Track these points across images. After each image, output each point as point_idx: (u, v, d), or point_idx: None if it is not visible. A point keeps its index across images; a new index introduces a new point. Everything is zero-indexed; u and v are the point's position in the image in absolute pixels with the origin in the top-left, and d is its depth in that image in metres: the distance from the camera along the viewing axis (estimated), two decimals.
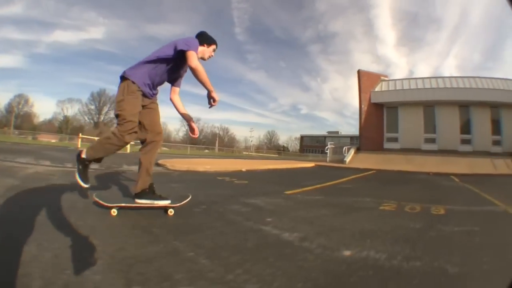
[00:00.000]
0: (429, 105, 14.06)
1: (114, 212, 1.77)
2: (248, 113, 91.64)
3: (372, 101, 14.72)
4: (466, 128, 14.43)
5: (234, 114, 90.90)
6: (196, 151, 30.22)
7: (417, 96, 13.83)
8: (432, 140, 14.28)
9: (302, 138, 56.29)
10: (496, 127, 14.23)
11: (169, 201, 1.92)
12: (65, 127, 37.51)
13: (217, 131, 51.37)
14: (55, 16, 61.22)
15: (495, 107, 13.86)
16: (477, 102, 13.53)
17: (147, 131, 1.93)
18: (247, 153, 41.17)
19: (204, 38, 2.03)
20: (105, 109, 45.45)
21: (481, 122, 13.81)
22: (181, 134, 50.54)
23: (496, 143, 14.25)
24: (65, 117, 40.96)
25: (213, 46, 2.11)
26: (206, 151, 36.54)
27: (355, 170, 9.17)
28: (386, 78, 15.39)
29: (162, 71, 1.90)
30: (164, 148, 30.20)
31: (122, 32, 67.06)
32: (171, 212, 1.94)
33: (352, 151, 13.87)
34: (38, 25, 59.49)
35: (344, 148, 13.89)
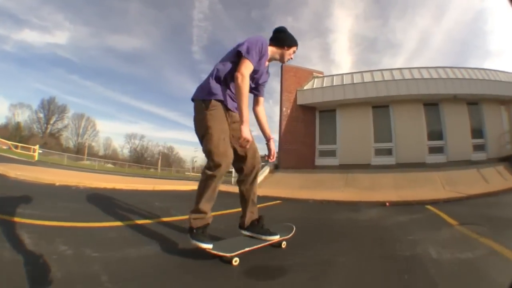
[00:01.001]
0: (381, 104, 10.85)
1: (236, 261, 1.56)
2: None
3: (299, 102, 11.59)
4: (435, 132, 10.74)
5: (183, 134, 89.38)
6: (138, 170, 30.14)
7: (363, 93, 10.63)
8: (388, 152, 10.62)
9: None
10: (477, 128, 10.82)
11: (278, 236, 1.83)
12: (15, 134, 36.31)
13: (161, 150, 51.11)
14: (28, 12, 58.94)
15: (473, 103, 10.83)
16: (450, 97, 10.42)
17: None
18: (189, 173, 40.59)
19: (284, 39, 1.89)
20: (53, 119, 43.98)
21: (456, 122, 10.55)
22: (125, 151, 49.45)
23: (478, 148, 10.81)
24: (17, 123, 40.56)
25: (294, 48, 1.92)
26: (152, 170, 36.24)
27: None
28: (320, 75, 12.64)
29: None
30: (109, 165, 30.14)
31: (84, 40, 67.86)
32: (284, 245, 1.92)
33: (266, 170, 10.34)
34: (10, 19, 59.07)
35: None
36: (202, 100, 1.66)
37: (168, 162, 48.86)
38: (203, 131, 1.63)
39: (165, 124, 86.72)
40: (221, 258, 1.56)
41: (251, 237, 1.79)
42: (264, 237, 1.76)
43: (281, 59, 1.91)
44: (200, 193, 1.61)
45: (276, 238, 1.78)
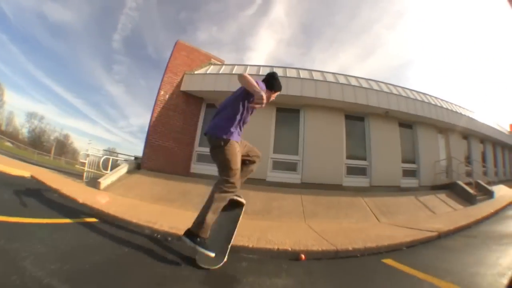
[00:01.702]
0: (290, 108, 8.10)
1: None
2: (97, 126, 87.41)
3: (184, 88, 8.45)
4: (356, 150, 8.13)
5: (83, 124, 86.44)
6: (30, 154, 25.81)
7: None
8: (291, 167, 7.59)
9: None
10: (409, 152, 8.73)
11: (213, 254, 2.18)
12: None
13: (58, 136, 47.18)
14: None
15: (407, 125, 8.95)
16: (380, 112, 8.31)
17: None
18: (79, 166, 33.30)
19: (275, 85, 2.54)
20: None
21: (385, 142, 8.22)
22: (25, 130, 44.23)
23: (409, 173, 8.53)
24: None
25: (278, 92, 2.61)
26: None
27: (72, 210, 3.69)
28: (219, 62, 9.86)
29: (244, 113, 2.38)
30: (8, 144, 27.59)
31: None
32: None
33: (124, 168, 7.02)
34: None
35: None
36: (221, 138, 2.26)
37: (62, 151, 45.61)
38: (222, 162, 2.31)
39: (67, 110, 78.31)
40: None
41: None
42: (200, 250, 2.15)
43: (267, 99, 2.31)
44: (209, 206, 2.23)
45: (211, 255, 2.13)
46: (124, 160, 8.11)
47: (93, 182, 6.12)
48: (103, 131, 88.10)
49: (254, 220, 4.59)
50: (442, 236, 3.98)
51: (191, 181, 6.64)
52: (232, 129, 2.28)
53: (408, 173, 8.32)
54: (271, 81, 2.49)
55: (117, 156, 9.69)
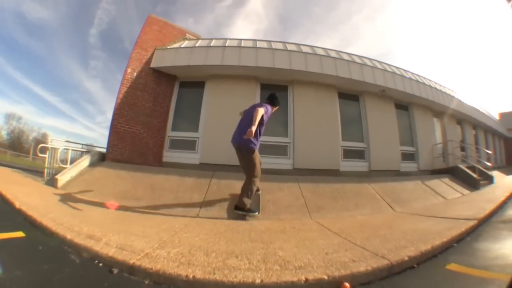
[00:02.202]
0: (276, 84, 6.87)
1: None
2: (76, 123, 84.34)
3: (154, 65, 7.10)
4: (352, 131, 7.13)
5: (62, 122, 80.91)
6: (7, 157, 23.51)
7: (251, 60, 6.59)
8: (281, 151, 6.43)
9: None
10: (406, 135, 7.95)
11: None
12: None
13: (36, 136, 43.37)
14: None
15: (403, 107, 8.13)
16: (376, 91, 7.39)
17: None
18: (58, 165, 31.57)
19: (275, 102, 3.90)
20: None
21: (382, 123, 7.31)
22: (3, 132, 41.07)
23: (408, 157, 7.74)
24: None
25: (277, 107, 3.95)
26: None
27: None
28: (193, 37, 8.58)
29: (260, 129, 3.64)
30: None
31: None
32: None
33: (85, 161, 5.74)
34: None
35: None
36: (250, 149, 3.54)
37: (42, 150, 41.94)
38: (250, 163, 3.58)
39: (45, 109, 76.11)
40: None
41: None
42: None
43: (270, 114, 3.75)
44: (249, 189, 3.52)
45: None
46: (86, 152, 6.74)
47: (52, 180, 4.90)
48: (82, 128, 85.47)
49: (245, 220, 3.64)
50: (481, 224, 3.32)
51: (163, 172, 5.35)
52: (256, 143, 3.55)
53: (407, 157, 7.53)
54: (275, 99, 3.84)
55: (83, 148, 8.23)
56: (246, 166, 3.58)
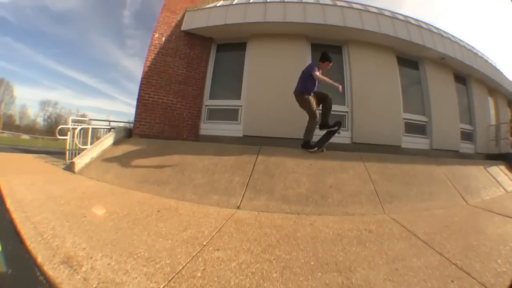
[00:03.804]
0: (329, 44, 5.47)
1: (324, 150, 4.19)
2: (116, 101, 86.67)
3: (186, 27, 5.86)
4: (413, 102, 5.80)
5: (102, 101, 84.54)
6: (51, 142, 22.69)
7: (294, 16, 5.29)
8: (340, 121, 4.52)
9: None
10: (465, 108, 6.65)
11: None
12: None
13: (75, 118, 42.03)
14: None
15: (461, 80, 6.71)
16: (436, 58, 6.07)
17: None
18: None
19: (322, 57, 4.06)
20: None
21: (442, 95, 5.97)
22: (39, 119, 43.51)
23: (467, 137, 6.51)
24: None
25: (327, 63, 4.03)
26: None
27: None
28: None
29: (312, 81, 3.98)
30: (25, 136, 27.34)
31: None
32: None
33: (108, 139, 4.63)
34: None
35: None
36: (304, 91, 3.94)
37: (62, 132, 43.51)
38: (306, 105, 3.96)
39: (83, 91, 76.68)
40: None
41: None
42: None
43: (321, 68, 4.03)
44: (311, 128, 4.05)
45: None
46: (111, 128, 5.71)
47: (70, 164, 3.96)
48: (122, 105, 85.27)
49: (303, 215, 2.58)
50: None
51: (197, 147, 4.33)
52: (309, 86, 3.96)
53: (465, 136, 6.37)
54: (322, 56, 4.03)
55: (109, 125, 7.18)
56: (304, 108, 4.02)
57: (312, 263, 1.57)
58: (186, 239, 1.77)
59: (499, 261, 1.79)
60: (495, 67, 7.81)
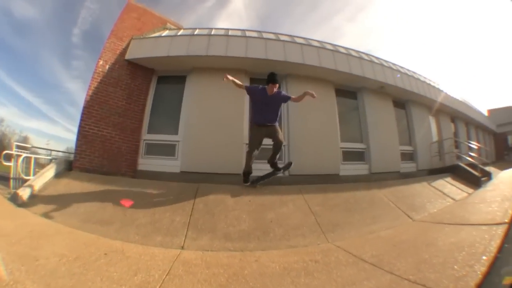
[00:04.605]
0: (257, 76, 5.25)
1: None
2: (57, 125, 79.40)
3: (130, 56, 5.64)
4: (351, 131, 6.09)
5: (43, 124, 75.85)
6: None
7: (236, 50, 5.32)
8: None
9: None
10: (405, 129, 7.09)
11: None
12: None
13: (18, 139, 39.31)
14: None
15: (399, 103, 7.13)
16: (374, 87, 6.38)
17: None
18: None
19: (273, 79, 3.74)
20: None
21: (380, 121, 6.26)
22: None
23: (407, 157, 6.87)
24: None
25: (274, 84, 3.70)
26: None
27: None
28: (175, 27, 7.30)
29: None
30: None
31: None
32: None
33: (50, 171, 4.31)
34: None
35: None
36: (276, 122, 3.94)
37: (7, 157, 40.18)
38: (279, 134, 3.86)
39: (27, 111, 73.73)
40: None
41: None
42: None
43: (269, 90, 3.71)
44: (245, 160, 4.04)
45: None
46: (52, 159, 5.44)
47: (14, 195, 3.64)
48: (62, 130, 79.82)
49: (247, 251, 2.53)
50: None
51: (137, 184, 4.17)
52: (254, 118, 3.94)
53: (406, 156, 6.72)
54: (273, 78, 3.68)
55: (50, 154, 6.92)
56: (275, 138, 3.86)
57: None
58: (139, 284, 1.76)
59: (455, 267, 1.87)
60: (436, 88, 8.17)
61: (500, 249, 2.23)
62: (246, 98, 5.22)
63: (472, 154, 7.39)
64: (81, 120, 5.07)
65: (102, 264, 2.06)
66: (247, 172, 4.07)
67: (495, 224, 2.80)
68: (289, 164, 4.37)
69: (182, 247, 2.64)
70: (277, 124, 3.86)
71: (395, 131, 6.37)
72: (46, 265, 1.93)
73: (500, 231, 2.54)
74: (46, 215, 3.24)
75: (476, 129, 11.99)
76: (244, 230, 2.96)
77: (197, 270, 2.07)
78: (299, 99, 3.75)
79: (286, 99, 3.82)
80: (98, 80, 5.36)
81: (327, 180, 4.94)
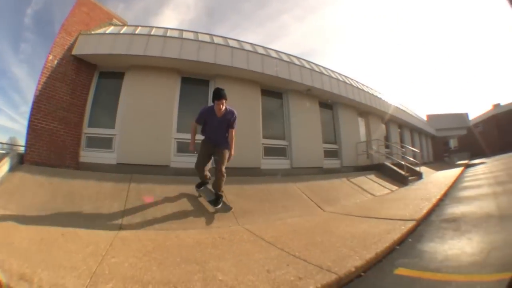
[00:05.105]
0: (199, 78, 6.39)
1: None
2: (2, 114, 77.76)
3: (77, 52, 6.05)
4: (274, 128, 6.78)
5: None
6: None
7: (171, 51, 5.86)
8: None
9: None
10: (330, 130, 7.77)
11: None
12: None
13: None
14: None
15: (326, 104, 7.85)
16: (302, 89, 7.02)
17: None
18: None
19: (222, 95, 3.38)
20: None
21: (304, 121, 7.00)
22: None
23: (331, 154, 7.55)
24: None
25: (219, 100, 3.31)
26: None
27: None
28: (120, 22, 7.63)
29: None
30: None
31: None
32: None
33: (5, 166, 4.41)
34: None
35: None
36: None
37: None
38: (225, 159, 3.51)
39: None
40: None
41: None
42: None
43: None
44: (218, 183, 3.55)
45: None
46: (4, 153, 5.89)
47: None
48: (6, 119, 74.32)
49: (170, 230, 3.07)
50: (420, 224, 3.14)
51: (80, 176, 4.68)
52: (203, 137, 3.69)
53: (330, 154, 7.61)
54: (213, 95, 3.34)
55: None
56: (221, 162, 3.50)
57: (178, 260, 2.17)
58: (91, 253, 2.27)
59: (343, 250, 2.22)
60: (368, 93, 8.90)
61: (401, 243, 2.54)
62: (176, 97, 5.89)
63: (403, 155, 8.15)
64: (31, 114, 5.44)
65: (61, 242, 2.66)
66: (202, 183, 3.95)
67: (403, 220, 3.15)
68: (219, 202, 3.62)
69: (120, 228, 3.14)
70: (225, 151, 3.47)
71: (319, 130, 7.18)
72: (20, 247, 2.49)
73: (405, 227, 2.87)
74: (6, 208, 3.61)
75: (412, 131, 12.91)
76: (169, 214, 3.51)
77: (131, 242, 2.63)
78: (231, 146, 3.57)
79: (233, 126, 3.52)
80: (47, 75, 5.75)
81: (248, 173, 5.78)
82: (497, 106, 25.76)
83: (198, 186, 3.94)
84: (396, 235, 2.61)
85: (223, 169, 3.42)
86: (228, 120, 3.41)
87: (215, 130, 3.45)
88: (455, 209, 3.91)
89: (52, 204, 3.79)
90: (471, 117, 22.29)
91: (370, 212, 3.77)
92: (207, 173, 3.88)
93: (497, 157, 17.38)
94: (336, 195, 4.97)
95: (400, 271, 1.97)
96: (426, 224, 3.23)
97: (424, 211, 3.60)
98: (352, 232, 2.80)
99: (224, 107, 3.34)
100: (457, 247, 2.30)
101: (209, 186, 3.90)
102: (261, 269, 1.95)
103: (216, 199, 3.54)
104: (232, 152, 3.56)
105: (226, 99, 3.34)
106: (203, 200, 3.98)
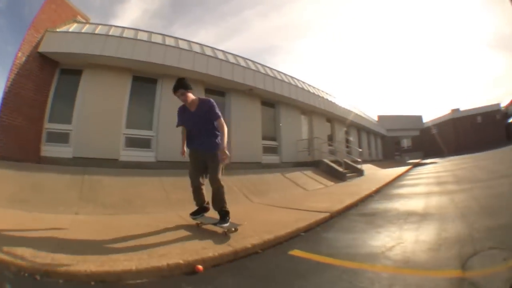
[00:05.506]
0: (148, 77, 7.11)
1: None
2: None
3: (42, 49, 6.62)
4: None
5: None
6: None
7: (125, 52, 6.51)
8: (146, 143, 6.76)
9: None
10: (270, 128, 8.53)
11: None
12: None
13: None
14: None
15: (268, 103, 8.63)
16: (244, 89, 7.79)
17: None
18: None
19: (186, 85, 2.98)
20: None
21: (245, 118, 7.83)
22: None
23: (270, 150, 8.33)
24: None
25: (183, 91, 2.89)
26: None
27: None
28: (83, 20, 8.22)
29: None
30: None
31: None
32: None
33: None
34: None
35: None
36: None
37: None
38: (218, 165, 2.82)
39: None
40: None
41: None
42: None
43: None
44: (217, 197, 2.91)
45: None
46: None
47: None
48: None
49: (116, 215, 3.60)
50: (335, 216, 3.51)
51: (43, 169, 5.15)
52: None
53: (269, 150, 8.43)
54: (185, 84, 2.95)
55: None
56: (213, 169, 2.83)
57: (123, 230, 2.70)
58: (55, 232, 2.60)
59: (249, 232, 2.60)
60: (312, 93, 9.70)
61: (308, 231, 2.86)
62: (127, 94, 6.68)
63: (348, 153, 8.71)
64: (0, 111, 5.84)
65: (32, 224, 2.94)
66: (200, 208, 3.09)
67: (318, 211, 3.45)
68: (227, 219, 2.89)
69: (76, 213, 3.60)
70: (215, 152, 2.73)
71: (259, 127, 8.06)
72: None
73: (316, 218, 3.16)
74: None
75: (359, 131, 13.67)
76: (116, 201, 4.06)
77: (85, 224, 3.11)
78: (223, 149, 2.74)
79: (214, 116, 2.81)
80: (16, 72, 6.18)
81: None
82: (455, 110, 27.69)
83: (194, 213, 3.06)
84: (302, 223, 2.99)
85: (219, 177, 2.76)
86: (205, 112, 2.80)
87: (196, 127, 2.86)
88: (379, 205, 4.17)
89: (21, 196, 4.05)
90: (427, 119, 23.66)
91: (293, 204, 4.09)
92: (205, 198, 3.09)
93: (450, 158, 18.16)
94: (267, 188, 5.38)
95: (295, 252, 2.27)
96: (342, 216, 3.52)
97: (344, 204, 3.93)
98: (266, 219, 3.21)
99: (192, 98, 2.87)
100: (361, 239, 2.52)
101: (207, 214, 3.13)
102: (178, 242, 2.47)
103: (223, 217, 2.79)
104: (225, 145, 2.68)
105: (188, 89, 2.85)
106: (143, 191, 4.38)
